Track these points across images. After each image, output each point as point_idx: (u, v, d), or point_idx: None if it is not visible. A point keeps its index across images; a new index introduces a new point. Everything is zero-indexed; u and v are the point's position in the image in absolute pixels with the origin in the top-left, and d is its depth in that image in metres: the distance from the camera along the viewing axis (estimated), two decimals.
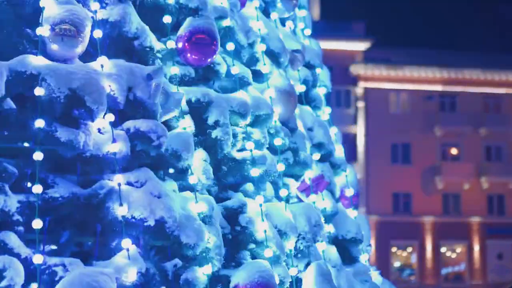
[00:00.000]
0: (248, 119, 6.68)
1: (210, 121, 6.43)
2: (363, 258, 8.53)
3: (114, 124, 5.88)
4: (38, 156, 5.46)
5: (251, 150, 6.65)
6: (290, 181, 7.70)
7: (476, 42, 46.53)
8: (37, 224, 5.35)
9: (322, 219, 7.52)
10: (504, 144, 44.11)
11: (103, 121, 5.77)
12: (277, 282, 6.30)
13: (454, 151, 44.19)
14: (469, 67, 44.36)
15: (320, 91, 9.08)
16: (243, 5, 7.38)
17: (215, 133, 6.38)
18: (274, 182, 7.54)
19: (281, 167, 7.10)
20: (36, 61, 5.64)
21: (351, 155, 46.07)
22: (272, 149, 7.13)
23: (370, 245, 9.15)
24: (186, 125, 6.29)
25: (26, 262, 5.30)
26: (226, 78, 7.06)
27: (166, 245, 5.90)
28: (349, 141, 46.38)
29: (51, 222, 5.61)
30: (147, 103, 6.02)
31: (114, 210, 5.60)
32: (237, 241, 6.35)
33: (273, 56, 7.71)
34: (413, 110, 45.00)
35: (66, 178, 5.74)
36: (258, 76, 7.42)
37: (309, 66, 8.75)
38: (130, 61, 6.29)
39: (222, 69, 6.90)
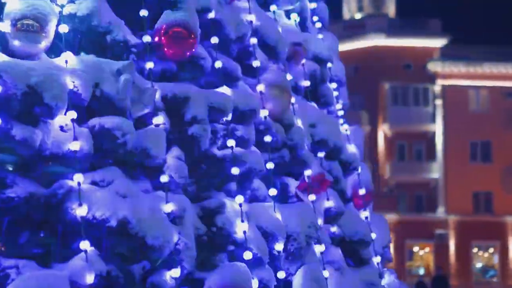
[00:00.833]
0: (230, 115, 6.37)
1: (187, 117, 6.16)
2: (376, 261, 8.10)
3: (80, 122, 5.70)
4: None
5: (232, 148, 6.34)
6: (289, 180, 7.35)
7: None
8: None
9: (320, 220, 7.16)
10: None
11: (65, 118, 5.58)
12: (256, 285, 5.99)
13: None
14: None
15: (332, 86, 8.69)
16: None
17: (192, 130, 6.11)
18: (270, 181, 7.22)
19: (270, 165, 6.77)
20: None
21: (429, 154, 45.18)
22: (264, 146, 6.82)
23: (387, 246, 8.69)
24: (161, 121, 6.03)
25: None
26: (215, 73, 6.78)
27: (133, 247, 5.66)
28: (427, 140, 45.53)
29: (10, 223, 5.46)
30: (115, 99, 5.81)
31: (73, 210, 5.40)
32: (214, 243, 6.06)
33: (269, 49, 7.38)
34: (492, 107, 43.94)
35: (29, 177, 5.58)
36: (252, 71, 7.11)
37: (317, 60, 8.36)
38: (104, 56, 6.09)
39: (207, 63, 6.62)
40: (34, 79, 5.45)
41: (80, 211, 5.39)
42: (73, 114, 5.56)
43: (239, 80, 6.88)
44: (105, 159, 5.82)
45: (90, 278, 5.23)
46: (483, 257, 43.54)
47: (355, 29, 46.52)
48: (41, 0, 5.76)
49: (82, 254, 5.33)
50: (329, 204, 7.70)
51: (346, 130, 8.56)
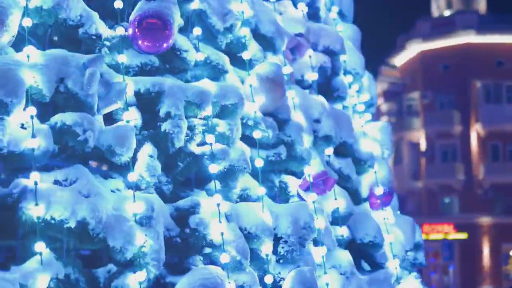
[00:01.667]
0: (208, 110, 6.03)
1: (161, 113, 5.85)
2: (392, 265, 7.57)
3: (43, 118, 5.49)
4: None
5: (211, 144, 5.99)
6: (289, 179, 6.94)
7: None
8: None
9: (322, 221, 6.72)
10: None
11: (24, 115, 5.36)
12: None
13: None
14: None
15: (347, 80, 8.21)
16: None
17: (165, 126, 5.79)
18: (268, 180, 6.86)
19: (259, 162, 6.39)
20: None
21: None
22: (253, 142, 6.46)
23: (410, 250, 8.13)
24: (132, 117, 5.75)
25: None
26: (202, 66, 6.48)
27: (96, 249, 5.40)
28: None
29: None
30: (80, 95, 5.56)
31: (29, 210, 5.17)
32: (188, 245, 5.71)
33: (266, 40, 7.00)
34: None
35: None
36: (243, 63, 6.76)
37: (328, 52, 7.91)
38: (77, 50, 5.87)
39: (190, 56, 6.31)
40: None
41: (37, 211, 5.14)
42: (32, 111, 5.33)
43: (226, 73, 6.52)
44: (69, 157, 5.57)
45: (43, 282, 4.99)
46: None
47: (444, 26, 45.24)
48: None
49: (38, 256, 5.09)
50: (336, 204, 7.24)
51: (362, 126, 8.06)
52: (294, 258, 6.29)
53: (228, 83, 6.39)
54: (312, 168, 6.96)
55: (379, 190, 7.85)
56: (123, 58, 5.95)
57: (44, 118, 5.53)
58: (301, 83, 7.59)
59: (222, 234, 5.71)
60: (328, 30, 8.01)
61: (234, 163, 6.13)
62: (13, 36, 5.57)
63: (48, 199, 5.25)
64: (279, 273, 6.20)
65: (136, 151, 5.73)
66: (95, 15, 5.97)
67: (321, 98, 7.52)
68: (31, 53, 5.51)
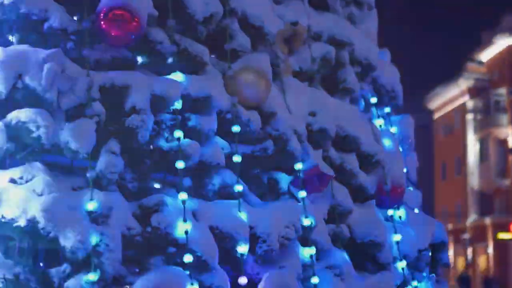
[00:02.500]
0: (178, 104, 5.77)
1: (127, 107, 5.63)
2: (399, 265, 7.12)
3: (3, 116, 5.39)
4: None
5: (179, 139, 5.72)
6: (280, 175, 6.60)
7: None
8: None
9: (314, 219, 6.35)
10: None
11: None
12: None
13: None
14: None
15: (354, 70, 7.78)
16: None
17: (129, 121, 5.56)
18: (255, 177, 6.55)
19: (237, 158, 6.08)
20: None
21: None
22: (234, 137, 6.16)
23: (426, 249, 7.64)
24: (96, 113, 5.55)
25: None
26: (179, 59, 6.22)
27: (49, 248, 5.23)
28: None
29: None
30: (38, 91, 5.42)
31: None
32: (150, 244, 5.46)
33: (255, 30, 6.68)
34: None
35: None
36: (232, 55, 6.46)
37: (333, 41, 7.52)
38: (44, 45, 5.74)
39: (165, 48, 6.06)
40: None
41: None
42: None
43: (206, 65, 6.24)
44: (27, 155, 5.43)
45: None
46: None
47: None
48: None
49: None
50: (334, 201, 6.84)
51: (370, 120, 7.62)
52: (274, 258, 5.94)
53: (203, 75, 6.10)
54: (305, 164, 6.59)
55: (387, 187, 7.40)
56: (88, 52, 5.76)
57: (2, 115, 5.41)
58: (299, 75, 7.22)
59: (186, 233, 5.43)
60: (334, 19, 7.60)
61: (206, 159, 5.84)
62: None
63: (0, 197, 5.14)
64: (258, 273, 5.88)
65: (100, 147, 5.54)
66: (61, 8, 5.80)
67: (320, 90, 7.14)
68: None
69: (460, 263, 48.18)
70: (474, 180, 48.98)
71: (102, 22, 5.76)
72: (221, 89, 6.17)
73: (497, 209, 46.37)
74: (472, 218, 48.88)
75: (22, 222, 5.10)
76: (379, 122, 7.99)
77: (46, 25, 5.75)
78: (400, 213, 7.76)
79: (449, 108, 53.82)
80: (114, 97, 5.66)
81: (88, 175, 5.40)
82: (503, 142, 46.56)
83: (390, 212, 7.39)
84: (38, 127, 5.26)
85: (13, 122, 5.32)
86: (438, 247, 8.40)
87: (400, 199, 7.57)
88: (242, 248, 5.78)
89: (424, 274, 7.74)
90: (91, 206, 5.26)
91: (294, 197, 6.53)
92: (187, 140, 5.74)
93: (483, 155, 48.11)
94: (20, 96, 5.46)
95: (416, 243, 7.61)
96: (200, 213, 5.69)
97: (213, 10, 6.30)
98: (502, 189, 45.98)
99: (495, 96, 47.79)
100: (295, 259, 6.16)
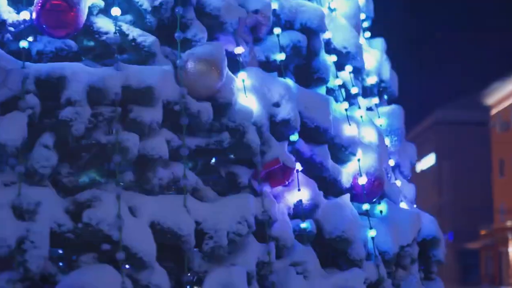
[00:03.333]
0: (116, 95, 5.56)
1: (62, 99, 5.45)
2: (375, 262, 6.77)
3: None
4: None
5: (117, 132, 5.52)
6: (240, 169, 6.32)
7: None
8: None
9: (275, 213, 6.08)
10: None
11: None
12: None
13: None
14: None
15: (331, 59, 7.45)
16: None
17: (63, 114, 5.39)
18: (212, 170, 6.31)
19: (185, 151, 5.84)
20: None
21: None
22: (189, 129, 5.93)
23: (410, 245, 7.26)
24: (30, 105, 5.39)
25: None
26: (127, 49, 6.04)
27: None
28: None
29: None
30: None
31: None
32: (82, 241, 5.27)
33: (211, 19, 6.43)
34: None
35: None
36: (184, 44, 6.24)
37: (305, 29, 7.20)
38: None
39: (112, 39, 5.88)
40: None
41: None
42: None
43: (155, 56, 6.03)
44: None
45: None
46: None
47: None
48: None
49: None
50: (300, 195, 6.54)
51: (346, 110, 7.28)
52: (223, 256, 5.68)
53: (150, 66, 5.88)
54: (266, 156, 6.32)
55: (362, 180, 7.05)
56: (24, 44, 5.62)
57: None
58: (266, 64, 6.94)
59: (120, 229, 5.22)
60: (306, 6, 7.29)
61: (148, 152, 5.62)
62: None
63: None
64: (205, 271, 5.63)
65: (35, 141, 5.38)
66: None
67: (287, 80, 6.84)
68: None
69: None
70: None
71: (39, 13, 5.60)
72: (169, 80, 5.93)
73: None
74: None
75: None
76: (359, 113, 7.64)
77: None
78: (381, 207, 7.41)
79: (506, 103, 52.54)
80: (50, 89, 5.49)
81: (16, 169, 5.23)
82: None
83: (365, 206, 7.04)
84: None
85: None
86: (430, 243, 8.03)
87: (378, 193, 7.21)
88: (186, 245, 5.54)
89: (408, 271, 7.37)
90: (18, 202, 5.09)
91: (254, 191, 6.25)
92: (125, 132, 5.53)
93: None
94: None
95: (398, 238, 7.25)
96: (140, 209, 5.47)
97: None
98: None
99: None
100: (249, 256, 5.89)
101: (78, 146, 5.52)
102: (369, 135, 7.52)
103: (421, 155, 57.00)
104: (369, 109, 8.39)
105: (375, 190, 7.16)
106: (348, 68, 7.74)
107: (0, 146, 5.18)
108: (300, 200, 6.54)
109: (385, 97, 9.22)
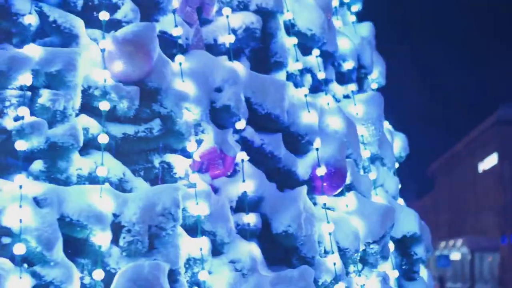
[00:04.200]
0: (23, 79, 5.20)
1: None
2: (331, 260, 6.24)
3: None
4: None
5: (23, 118, 5.15)
6: (174, 158, 5.89)
7: None
8: None
9: (205, 207, 5.63)
10: None
11: None
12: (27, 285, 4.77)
13: None
14: None
15: (291, 42, 6.93)
16: None
17: None
18: (144, 160, 5.89)
19: (103, 138, 5.43)
20: None
21: None
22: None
23: (375, 242, 6.70)
24: None
25: None
26: (48, 31, 5.68)
27: None
28: None
29: None
30: None
31: None
32: None
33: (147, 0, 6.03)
34: None
35: None
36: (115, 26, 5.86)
37: (261, 11, 6.72)
38: None
39: (28, 21, 5.52)
40: None
41: None
42: None
43: (77, 38, 5.65)
44: None
45: None
46: None
47: None
48: None
49: None
50: (245, 187, 6.07)
51: (306, 96, 6.74)
52: (142, 251, 5.26)
53: (60, 48, 5.51)
54: (202, 145, 5.88)
55: (321, 171, 6.52)
56: None
57: None
58: (215, 47, 6.49)
59: (20, 221, 4.84)
60: None
61: (58, 139, 5.23)
62: None
63: None
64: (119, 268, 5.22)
65: None
66: None
67: (235, 64, 6.37)
68: None
69: None
70: None
71: None
72: (92, 63, 5.55)
73: None
74: None
75: None
76: (326, 99, 7.11)
77: None
78: (347, 200, 6.87)
79: None
80: None
81: None
82: None
83: (323, 199, 6.51)
84: None
85: None
86: (411, 240, 7.48)
87: (340, 185, 6.66)
88: (99, 239, 5.13)
89: (374, 269, 6.82)
90: None
91: (190, 182, 5.81)
92: (33, 118, 5.16)
93: None
94: None
95: (364, 234, 6.70)
96: (47, 200, 5.08)
97: None
98: None
99: None
100: (176, 251, 5.44)
101: None
102: (335, 124, 6.99)
103: (483, 155, 55.42)
104: (347, 96, 7.84)
105: (337, 181, 6.62)
106: (315, 52, 7.22)
107: None
108: (245, 192, 6.07)
109: (374, 86, 8.68)
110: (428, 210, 63.39)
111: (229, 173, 6.07)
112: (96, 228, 5.11)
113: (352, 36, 8.09)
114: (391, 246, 7.31)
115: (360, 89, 8.09)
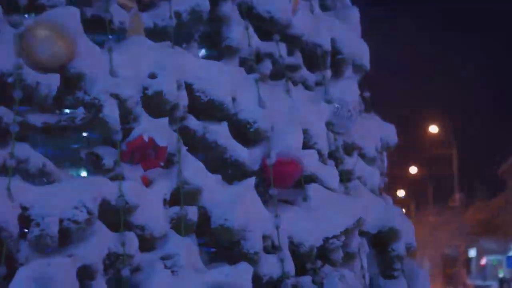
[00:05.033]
0: None
1: None
2: (278, 256, 5.82)
3: None
4: None
5: None
6: (104, 149, 5.58)
7: None
8: None
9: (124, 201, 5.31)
10: None
11: None
12: None
13: None
14: None
15: (243, 25, 6.53)
16: None
17: None
18: (70, 150, 5.61)
19: (15, 127, 5.16)
20: None
21: None
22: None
23: (335, 237, 6.24)
24: None
25: None
26: None
27: None
28: None
29: None
30: None
31: None
32: None
33: None
34: None
35: None
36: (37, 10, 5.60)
37: None
38: None
39: None
40: None
41: None
42: None
43: None
44: None
45: None
46: None
47: None
48: None
49: None
50: (180, 179, 5.70)
51: (257, 80, 6.33)
52: (53, 246, 4.96)
53: None
54: (131, 135, 5.56)
55: (272, 161, 6.10)
56: None
57: None
58: (156, 32, 6.16)
59: None
60: None
61: None
62: None
63: None
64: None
65: None
66: None
67: (175, 49, 6.01)
68: None
69: None
70: None
71: None
72: (8, 49, 5.29)
73: None
74: None
75: None
76: (287, 86, 6.67)
77: None
78: (307, 193, 6.42)
79: None
80: None
81: None
82: None
83: (272, 191, 6.07)
84: None
85: None
86: (387, 236, 6.98)
87: (293, 176, 6.22)
88: (4, 234, 4.85)
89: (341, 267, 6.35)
90: None
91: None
92: None
93: None
94: None
95: (324, 228, 6.25)
96: None
97: None
98: None
99: None
100: (93, 246, 5.12)
101: None
102: (296, 111, 6.54)
103: None
104: (320, 83, 7.37)
105: (290, 172, 6.18)
106: (276, 36, 6.79)
107: None
108: (181, 184, 5.70)
109: (360, 74, 8.18)
110: (500, 210, 61.43)
111: (162, 164, 5.72)
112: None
113: (329, 20, 7.62)
114: (362, 241, 6.82)
115: (338, 75, 7.60)
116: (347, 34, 7.67)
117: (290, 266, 5.87)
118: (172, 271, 5.41)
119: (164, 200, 5.67)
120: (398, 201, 55.06)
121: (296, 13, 6.92)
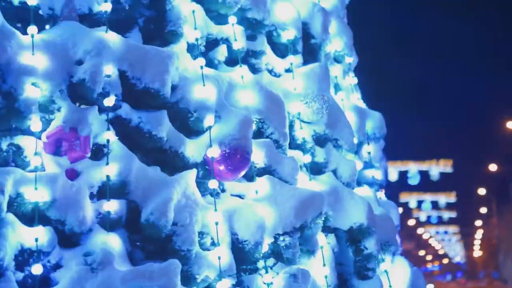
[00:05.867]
0: None
1: None
2: (215, 253, 5.40)
3: None
4: None
5: None
6: (25, 140, 5.30)
7: None
8: None
9: (45, 193, 5.00)
10: None
11: None
12: None
13: None
14: None
15: (188, 8, 6.13)
16: None
17: None
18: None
19: None
20: None
21: None
22: None
23: (286, 233, 5.77)
24: None
25: None
26: None
27: None
28: None
29: None
30: None
31: None
32: None
33: None
34: None
35: None
36: None
37: None
38: None
39: None
40: None
41: None
42: None
43: None
44: None
45: None
46: None
47: None
48: None
49: None
50: (107, 171, 5.35)
51: (202, 68, 5.92)
52: None
53: None
54: (52, 124, 5.26)
55: (213, 152, 5.68)
56: None
57: None
58: (90, 17, 5.84)
59: None
60: None
61: None
62: None
63: None
64: None
65: None
66: None
67: (108, 35, 5.66)
68: None
69: None
70: None
71: None
72: None
73: None
74: None
75: None
76: (240, 72, 6.25)
77: None
78: (258, 186, 5.98)
79: None
80: None
81: None
82: None
83: (211, 184, 5.65)
84: None
85: None
86: (358, 233, 6.48)
87: (238, 168, 5.77)
88: None
89: (294, 265, 5.87)
90: None
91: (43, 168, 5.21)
92: None
93: None
94: None
95: (274, 224, 5.80)
96: None
97: None
98: None
99: None
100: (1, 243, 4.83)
101: None
102: (247, 99, 6.13)
103: None
104: (289, 70, 6.91)
105: (235, 164, 5.75)
106: (232, 19, 6.38)
107: None
108: (108, 177, 5.35)
109: (348, 60, 7.68)
110: None
111: (88, 155, 5.38)
112: None
113: (300, 3, 7.14)
114: (323, 238, 6.31)
115: (313, 61, 7.09)
116: (317, 16, 7.15)
117: (229, 264, 5.43)
118: (92, 268, 5.07)
119: (92, 193, 5.34)
120: (479, 200, 53.26)
121: None
